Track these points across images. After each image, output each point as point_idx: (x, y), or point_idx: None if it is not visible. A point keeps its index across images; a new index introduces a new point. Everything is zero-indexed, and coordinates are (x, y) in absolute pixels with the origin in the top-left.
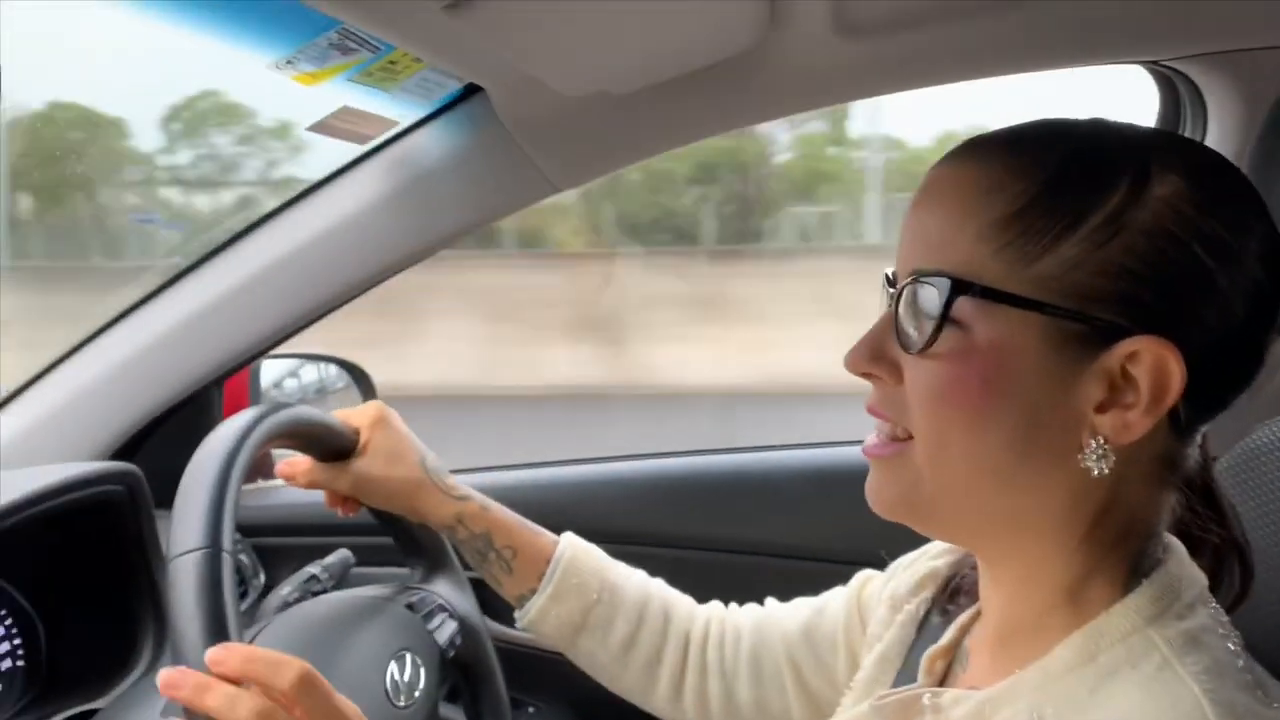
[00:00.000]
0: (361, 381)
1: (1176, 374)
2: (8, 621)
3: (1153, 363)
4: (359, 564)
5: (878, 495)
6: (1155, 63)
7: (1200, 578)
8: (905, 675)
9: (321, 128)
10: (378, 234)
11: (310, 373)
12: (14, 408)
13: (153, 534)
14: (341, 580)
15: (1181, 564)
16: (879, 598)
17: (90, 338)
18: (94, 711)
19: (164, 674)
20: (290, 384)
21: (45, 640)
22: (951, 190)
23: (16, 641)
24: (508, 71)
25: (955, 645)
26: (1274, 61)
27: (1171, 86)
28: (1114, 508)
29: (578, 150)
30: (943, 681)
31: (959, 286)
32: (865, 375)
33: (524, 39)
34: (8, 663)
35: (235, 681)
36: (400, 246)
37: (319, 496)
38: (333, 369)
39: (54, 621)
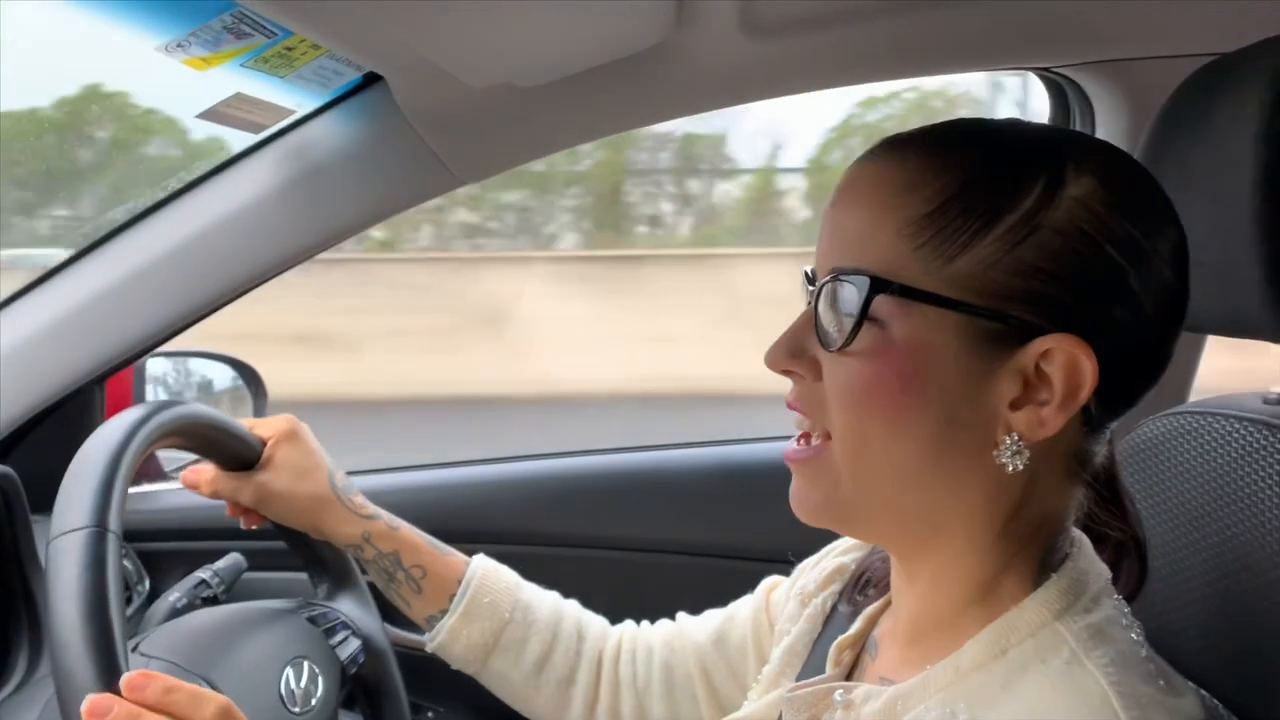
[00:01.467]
0: (253, 382)
1: (1089, 371)
2: None
3: (1066, 360)
4: (253, 569)
5: (802, 502)
6: (1047, 69)
7: (1104, 571)
8: (812, 666)
9: (213, 115)
10: (271, 227)
11: (199, 372)
12: None
13: (28, 540)
14: (233, 586)
15: (1087, 558)
16: (787, 597)
17: None
18: None
19: (92, 701)
20: (177, 383)
21: None
22: (870, 188)
23: None
24: (410, 60)
25: (863, 636)
26: (1160, 71)
27: (1061, 92)
28: (1027, 504)
29: (481, 143)
30: (851, 671)
31: (877, 285)
32: (785, 372)
33: (428, 27)
34: None
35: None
36: (295, 240)
37: (209, 500)
38: (225, 369)
39: None
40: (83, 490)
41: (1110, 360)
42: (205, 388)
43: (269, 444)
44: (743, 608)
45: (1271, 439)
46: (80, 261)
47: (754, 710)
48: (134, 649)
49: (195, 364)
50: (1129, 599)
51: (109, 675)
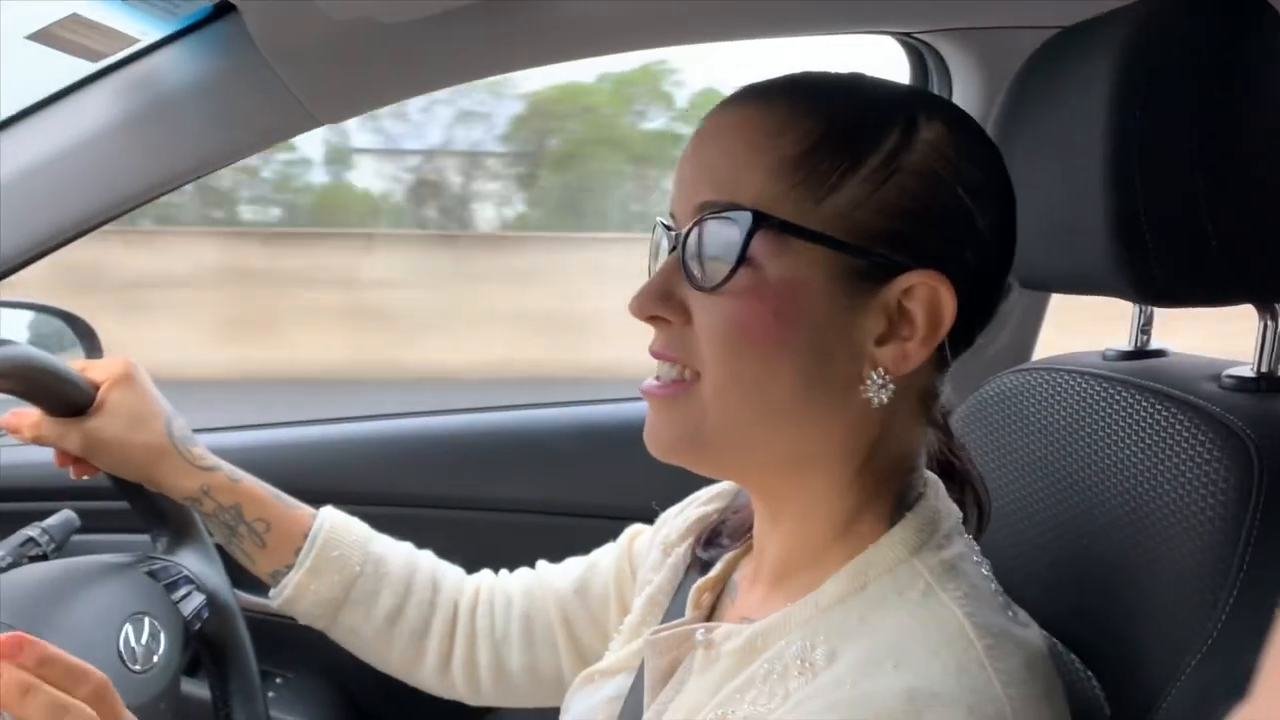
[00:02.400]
0: (86, 337)
1: (949, 306)
2: None
3: (928, 296)
4: (88, 530)
5: (658, 437)
6: (907, 34)
7: (955, 511)
8: (673, 614)
9: (44, 37)
10: (108, 165)
11: (24, 324)
12: None
13: None
14: (64, 544)
15: (940, 497)
16: (649, 546)
17: None
18: None
19: None
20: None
21: None
22: (737, 131)
23: None
24: None
25: (723, 579)
26: (1016, 40)
27: (921, 58)
28: (885, 440)
29: (341, 81)
30: (711, 614)
31: (759, 220)
32: (652, 319)
33: None
34: None
35: None
36: (136, 180)
37: (42, 457)
38: (54, 321)
39: None
40: None
41: (962, 297)
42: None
43: (102, 388)
44: (605, 556)
45: (1110, 391)
46: None
47: (616, 659)
48: None
49: (19, 315)
50: (975, 538)
51: None
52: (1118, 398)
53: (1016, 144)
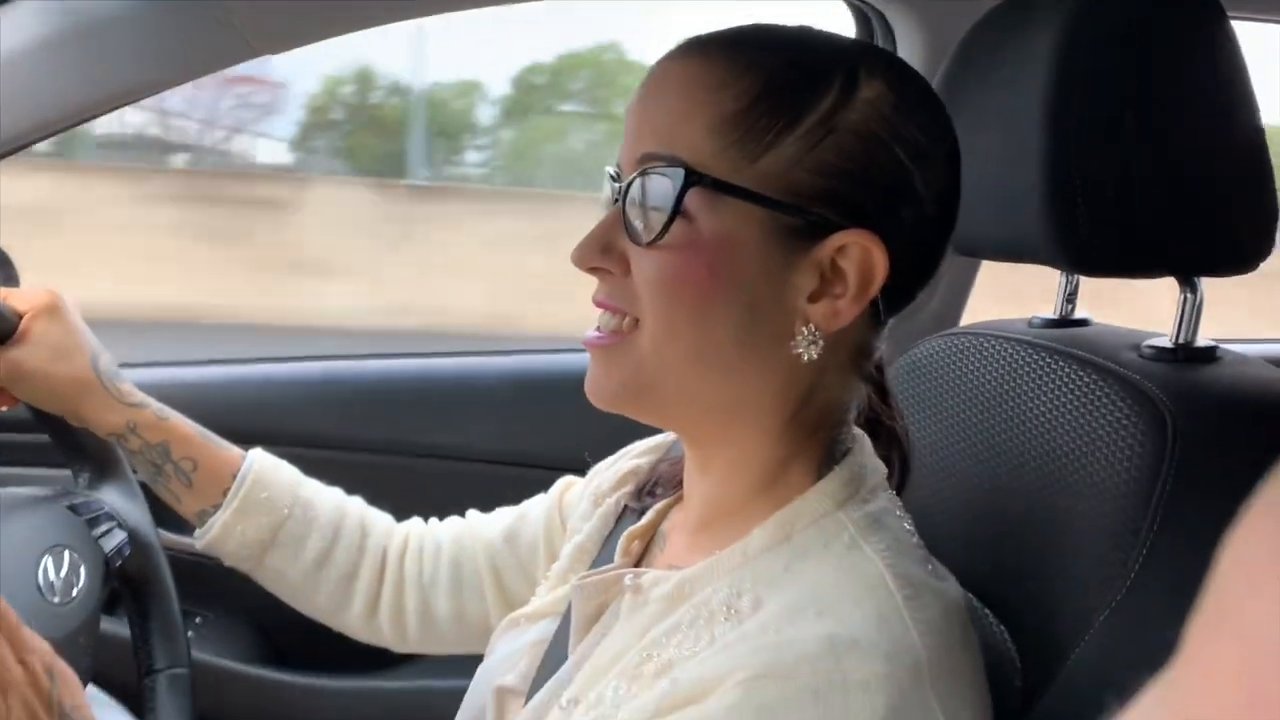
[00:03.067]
0: (2, 265)
1: (880, 265)
2: None
3: (860, 255)
4: (4, 463)
5: (599, 385)
6: None
7: (881, 466)
8: (602, 561)
9: None
10: (29, 86)
11: None
12: None
13: None
14: None
15: (866, 453)
16: (580, 497)
17: None
18: None
19: None
20: None
21: None
22: (678, 84)
23: None
24: None
25: (653, 528)
26: (960, 7)
27: (867, 21)
28: (815, 394)
29: (281, 11)
30: (639, 562)
31: (691, 178)
32: (593, 270)
33: None
34: None
35: None
36: (59, 103)
37: None
38: None
39: None
40: None
41: (896, 257)
42: None
43: (26, 317)
44: (535, 506)
45: (1034, 356)
46: None
47: (542, 604)
48: None
49: None
50: (897, 494)
51: None
52: (1041, 363)
53: (957, 111)
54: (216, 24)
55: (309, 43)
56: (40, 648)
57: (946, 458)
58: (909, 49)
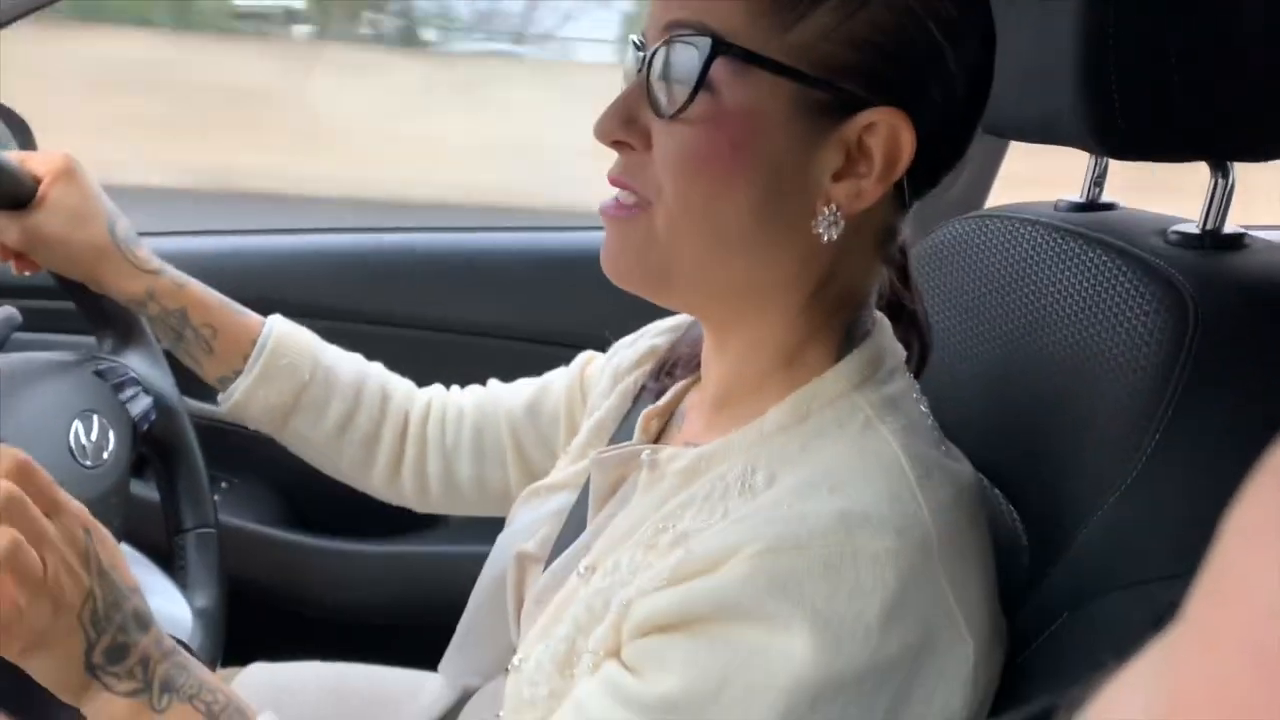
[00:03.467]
0: (19, 130)
1: (908, 145)
2: None
3: (888, 134)
4: (31, 329)
5: (615, 260)
6: None
7: (900, 350)
8: (620, 437)
9: None
10: None
11: None
12: None
13: None
14: (4, 342)
15: (886, 336)
16: (601, 373)
17: None
18: None
19: None
20: None
21: None
22: None
23: None
24: None
25: (671, 408)
26: None
27: None
28: (836, 275)
29: None
30: (657, 439)
31: (718, 47)
32: (615, 144)
33: None
34: None
35: None
36: None
37: None
38: None
39: None
40: None
41: (924, 138)
42: None
43: (44, 182)
44: (557, 379)
45: (1059, 240)
46: None
47: (561, 477)
48: None
49: None
50: (916, 376)
51: None
52: (1065, 247)
53: None
54: None
55: None
56: (75, 507)
57: (966, 341)
58: None
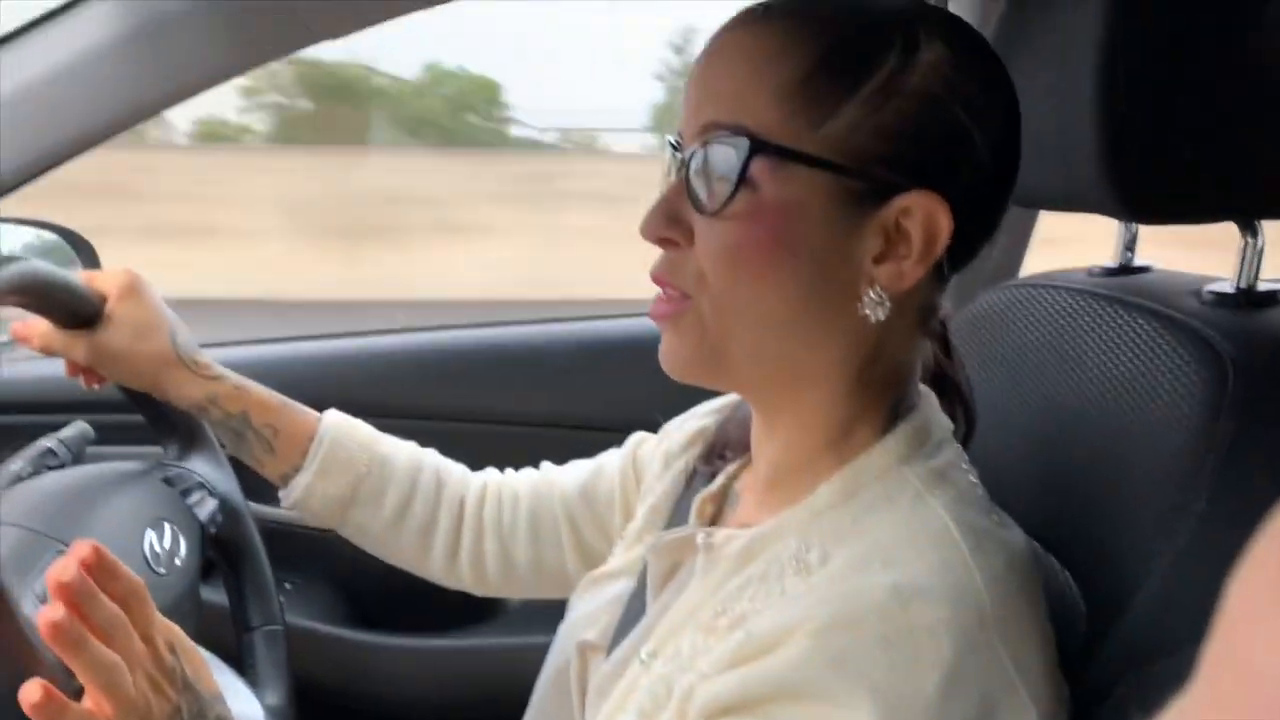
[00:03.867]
0: (84, 251)
1: (945, 225)
2: None
3: (924, 216)
4: (102, 443)
5: (673, 357)
6: None
7: (946, 422)
8: (675, 521)
9: None
10: (108, 82)
11: (19, 239)
12: None
13: None
14: (80, 456)
15: (932, 408)
16: (653, 456)
17: None
18: None
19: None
20: None
21: None
22: (740, 53)
23: None
24: None
25: (725, 490)
26: None
27: None
28: (881, 354)
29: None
30: (713, 523)
31: (756, 145)
32: (661, 241)
33: None
34: None
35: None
36: (135, 97)
37: (53, 371)
38: (48, 236)
39: None
40: None
41: (958, 215)
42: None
43: (109, 300)
44: (610, 461)
45: (1095, 306)
46: None
47: (618, 564)
48: None
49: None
50: (963, 445)
51: None
52: (1101, 312)
53: (1012, 60)
54: (281, 12)
55: (368, 27)
56: (163, 625)
57: (1009, 408)
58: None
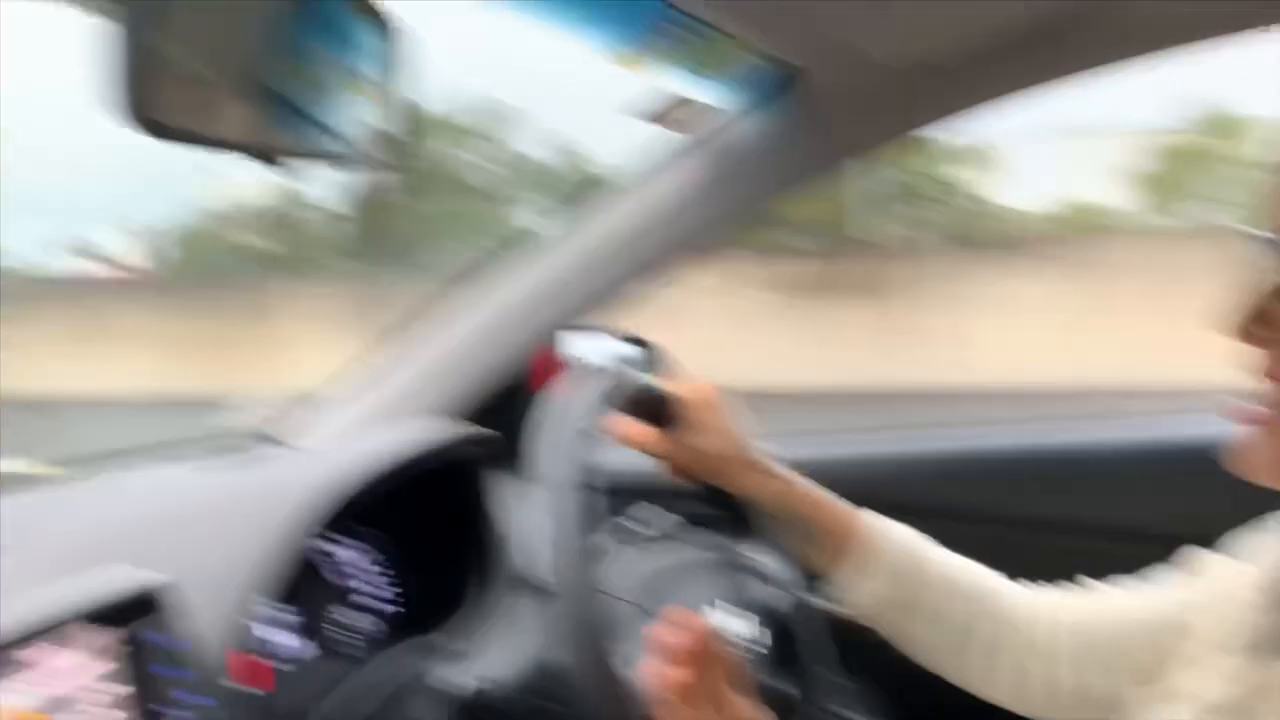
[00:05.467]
0: (660, 360)
1: None
2: (384, 567)
3: None
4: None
5: (1260, 459)
6: None
7: None
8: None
9: (652, 117)
10: (683, 217)
11: (605, 347)
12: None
13: (497, 495)
14: (667, 536)
15: None
16: (1226, 576)
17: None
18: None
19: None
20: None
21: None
22: None
23: (398, 589)
24: (826, 46)
25: None
26: None
27: None
28: None
29: (879, 122)
30: None
31: None
32: (1247, 339)
33: (852, 10)
34: (391, 607)
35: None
36: (706, 228)
37: (638, 461)
38: (625, 344)
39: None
40: (562, 445)
41: None
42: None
43: (695, 409)
44: (1171, 583)
45: None
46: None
47: (1210, 689)
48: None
49: (597, 339)
50: None
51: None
52: None
53: None
54: (822, 142)
55: (896, 144)
56: (737, 701)
57: None
58: None
